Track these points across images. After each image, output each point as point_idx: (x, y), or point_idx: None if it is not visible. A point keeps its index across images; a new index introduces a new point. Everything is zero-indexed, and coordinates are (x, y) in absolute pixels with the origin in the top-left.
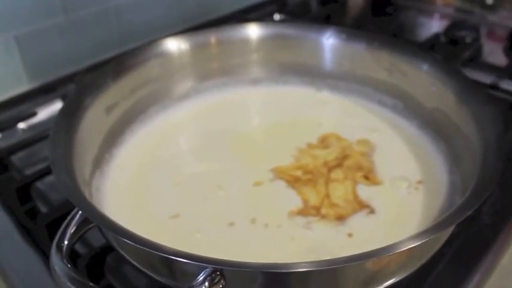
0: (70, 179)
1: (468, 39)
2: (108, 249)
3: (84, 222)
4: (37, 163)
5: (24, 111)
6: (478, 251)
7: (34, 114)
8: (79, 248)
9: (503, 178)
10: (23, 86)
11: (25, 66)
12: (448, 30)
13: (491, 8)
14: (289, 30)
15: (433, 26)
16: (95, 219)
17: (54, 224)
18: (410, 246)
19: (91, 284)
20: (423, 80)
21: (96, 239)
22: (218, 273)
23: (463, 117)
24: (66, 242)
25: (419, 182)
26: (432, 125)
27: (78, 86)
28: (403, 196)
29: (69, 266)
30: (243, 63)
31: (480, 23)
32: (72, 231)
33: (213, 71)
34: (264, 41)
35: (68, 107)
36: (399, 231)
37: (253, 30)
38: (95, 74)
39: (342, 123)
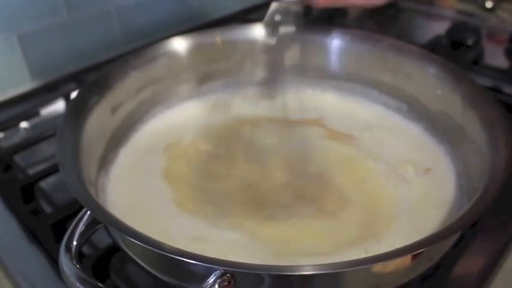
0: (78, 179)
1: (469, 42)
2: (113, 250)
3: (92, 222)
4: (40, 162)
5: (26, 111)
6: (482, 253)
7: (37, 113)
8: (83, 248)
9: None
10: (26, 85)
11: (28, 65)
12: (449, 33)
13: (491, 11)
14: (294, 31)
15: (435, 28)
16: (106, 220)
17: (59, 224)
18: (420, 251)
19: (100, 284)
20: (429, 83)
21: (100, 240)
22: (229, 275)
23: (470, 121)
24: (75, 243)
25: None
26: (438, 128)
27: (85, 85)
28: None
29: (77, 266)
30: (248, 64)
31: (481, 25)
32: (80, 231)
33: (218, 71)
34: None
35: (74, 106)
36: None
37: (258, 31)
38: (100, 74)
39: (345, 124)
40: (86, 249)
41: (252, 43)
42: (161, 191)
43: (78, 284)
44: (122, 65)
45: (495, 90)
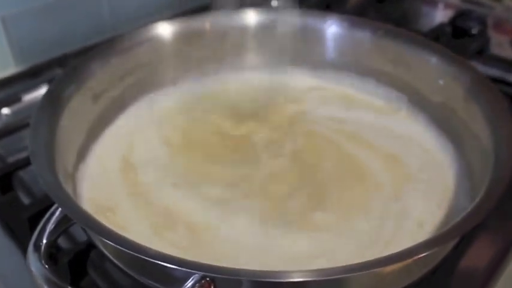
0: (51, 172)
1: (474, 31)
2: (91, 245)
3: (64, 219)
4: (21, 151)
5: (8, 96)
6: (484, 255)
7: (19, 99)
8: (62, 242)
9: None
10: (9, 70)
11: (11, 48)
12: (453, 21)
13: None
14: (288, 17)
15: (438, 15)
16: (77, 218)
17: (36, 217)
18: (418, 256)
19: (69, 287)
20: (430, 73)
21: (79, 234)
22: (208, 279)
23: (472, 114)
24: (44, 241)
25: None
26: (439, 120)
27: (63, 72)
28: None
29: (46, 266)
30: (238, 50)
31: (487, 14)
32: (51, 228)
33: (207, 58)
34: (261, 28)
35: (50, 94)
36: None
37: (250, 17)
38: (81, 60)
39: (339, 114)
40: (63, 243)
41: (243, 29)
42: (143, 185)
43: (46, 287)
44: (105, 51)
45: (500, 81)
